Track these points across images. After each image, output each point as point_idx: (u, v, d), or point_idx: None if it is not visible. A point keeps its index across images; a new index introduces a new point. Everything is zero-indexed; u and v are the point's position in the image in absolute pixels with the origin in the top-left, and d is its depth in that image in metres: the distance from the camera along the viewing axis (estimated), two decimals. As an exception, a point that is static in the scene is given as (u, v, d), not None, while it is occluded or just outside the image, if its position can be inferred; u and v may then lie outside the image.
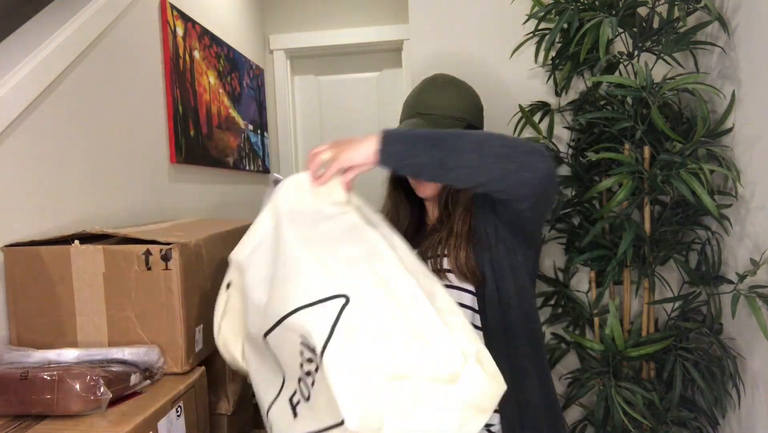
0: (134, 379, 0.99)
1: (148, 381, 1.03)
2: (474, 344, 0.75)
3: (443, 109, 1.09)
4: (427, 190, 1.11)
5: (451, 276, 1.04)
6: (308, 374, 0.78)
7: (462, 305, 1.03)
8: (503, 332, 1.01)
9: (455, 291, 1.04)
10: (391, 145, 0.86)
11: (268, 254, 0.89)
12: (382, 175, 1.17)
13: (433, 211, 1.17)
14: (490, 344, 0.99)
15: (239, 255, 0.96)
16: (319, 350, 0.73)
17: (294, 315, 0.77)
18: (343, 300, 0.74)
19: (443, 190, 1.10)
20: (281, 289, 0.81)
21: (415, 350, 0.73)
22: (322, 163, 0.89)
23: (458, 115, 1.09)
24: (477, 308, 1.03)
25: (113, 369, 0.97)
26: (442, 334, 0.74)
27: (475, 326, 1.03)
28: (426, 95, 1.12)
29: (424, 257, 1.07)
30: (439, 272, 1.04)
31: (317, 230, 0.84)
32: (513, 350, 1.00)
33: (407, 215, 1.18)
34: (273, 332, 0.82)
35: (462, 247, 1.02)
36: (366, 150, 0.86)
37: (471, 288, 1.03)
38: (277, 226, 0.89)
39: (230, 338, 1.01)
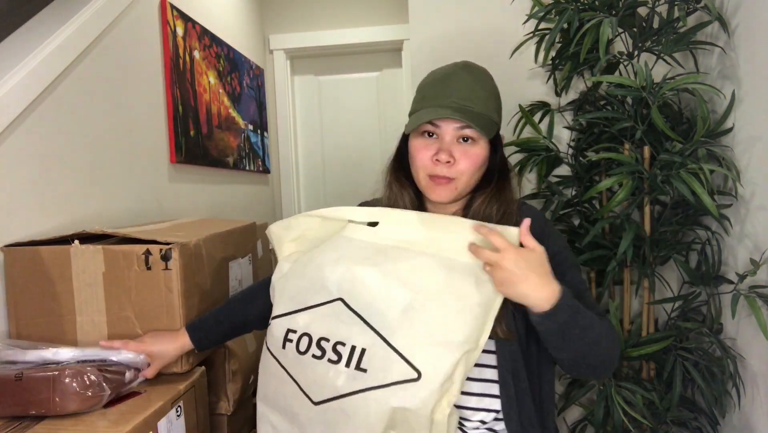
0: (129, 376, 0.99)
1: (142, 379, 1.04)
2: None
3: (481, 106, 0.95)
4: (444, 194, 0.97)
5: None
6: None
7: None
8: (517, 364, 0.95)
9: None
10: (560, 313, 0.82)
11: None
12: (381, 165, 1.12)
13: (437, 212, 1.05)
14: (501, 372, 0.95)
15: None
16: (364, 384, 0.85)
17: (380, 339, 0.87)
18: (415, 375, 0.83)
19: (462, 202, 1.01)
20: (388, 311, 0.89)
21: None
22: (487, 258, 0.82)
23: (494, 117, 0.97)
24: (496, 350, 0.94)
25: (108, 367, 0.97)
26: None
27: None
28: (459, 83, 0.96)
29: None
30: None
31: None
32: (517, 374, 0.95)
33: (411, 200, 1.05)
34: (352, 312, 0.90)
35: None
36: (545, 298, 0.81)
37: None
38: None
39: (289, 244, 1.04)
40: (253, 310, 1.14)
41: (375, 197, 1.12)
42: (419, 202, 1.04)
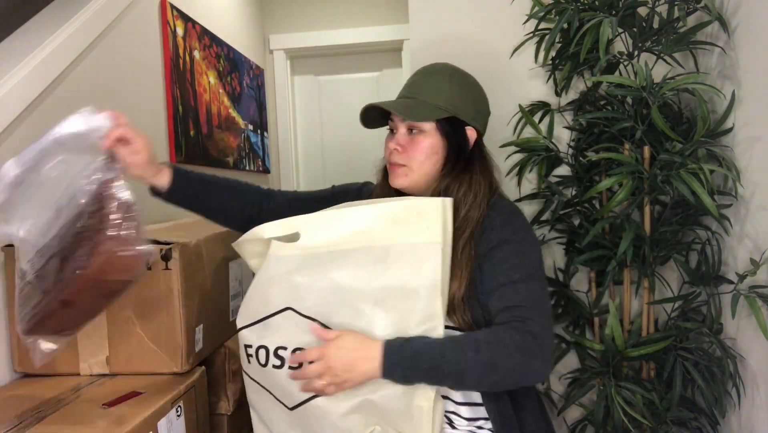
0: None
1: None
2: None
3: (427, 95, 1.05)
4: (398, 180, 1.06)
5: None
6: None
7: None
8: None
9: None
10: (393, 373, 0.87)
11: None
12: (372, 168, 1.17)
13: None
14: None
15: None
16: None
17: None
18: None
19: (430, 192, 1.06)
20: (339, 307, 0.93)
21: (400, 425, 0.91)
22: (319, 381, 0.88)
23: (441, 105, 1.04)
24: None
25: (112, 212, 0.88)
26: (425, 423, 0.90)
27: None
28: (415, 79, 1.09)
29: None
30: None
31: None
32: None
33: (377, 194, 1.13)
34: (303, 318, 0.93)
35: (461, 287, 0.96)
36: (368, 375, 0.87)
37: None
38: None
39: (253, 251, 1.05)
40: (235, 203, 1.14)
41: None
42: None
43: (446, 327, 0.93)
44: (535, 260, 0.98)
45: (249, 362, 0.98)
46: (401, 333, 0.89)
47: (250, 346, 0.97)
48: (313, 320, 0.91)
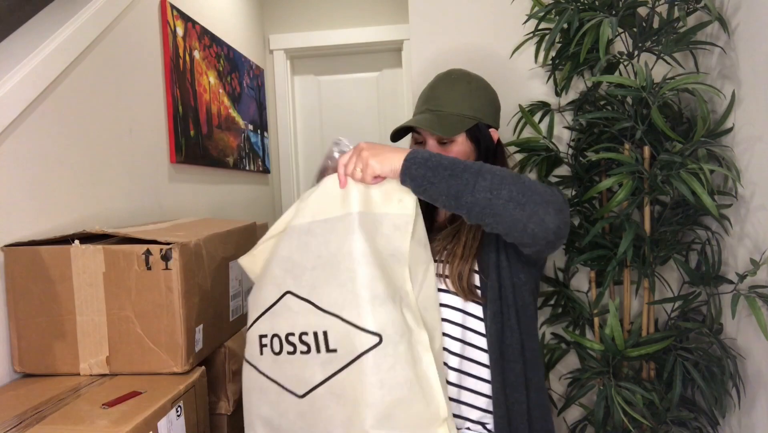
0: None
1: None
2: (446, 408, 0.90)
3: (453, 106, 1.08)
4: None
5: (449, 283, 1.03)
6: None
7: (462, 311, 1.03)
8: (499, 346, 1.00)
9: (454, 297, 1.03)
10: (413, 168, 0.89)
11: (302, 240, 0.96)
12: None
13: (441, 211, 1.16)
14: (489, 355, 1.01)
15: (289, 221, 1.00)
16: (339, 364, 0.88)
17: (334, 318, 0.89)
18: (376, 339, 0.86)
19: None
20: (324, 286, 0.91)
21: (414, 401, 0.87)
22: (351, 163, 0.92)
23: (468, 114, 1.08)
24: (483, 317, 1.02)
25: None
26: (435, 391, 0.89)
27: (474, 331, 1.03)
28: (438, 91, 1.11)
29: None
30: (441, 277, 1.04)
31: (356, 246, 0.91)
32: (509, 365, 1.00)
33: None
34: (301, 300, 0.93)
35: (467, 262, 1.01)
36: (391, 166, 0.90)
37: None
38: (313, 222, 0.96)
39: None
40: None
41: None
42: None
43: (446, 292, 1.02)
44: None
45: (262, 353, 0.97)
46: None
47: (265, 336, 0.96)
48: (309, 302, 0.92)
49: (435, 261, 1.04)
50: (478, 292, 1.02)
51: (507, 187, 0.86)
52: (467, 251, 1.02)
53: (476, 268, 1.02)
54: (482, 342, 1.02)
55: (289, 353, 0.93)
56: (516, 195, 0.86)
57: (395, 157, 0.90)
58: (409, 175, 0.89)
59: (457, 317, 1.02)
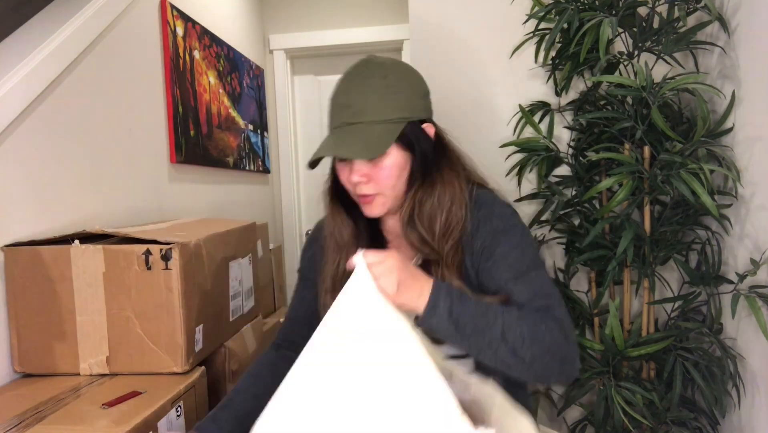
0: None
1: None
2: None
3: (373, 112, 0.89)
4: (375, 210, 0.93)
5: None
6: None
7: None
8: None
9: None
10: (433, 319, 0.80)
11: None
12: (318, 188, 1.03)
13: (391, 226, 1.01)
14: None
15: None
16: None
17: None
18: None
19: (405, 210, 0.94)
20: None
21: None
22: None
23: (393, 117, 0.89)
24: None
25: None
26: None
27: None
28: (352, 95, 0.91)
29: None
30: None
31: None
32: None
33: (351, 232, 0.99)
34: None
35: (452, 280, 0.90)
36: (416, 303, 0.79)
37: None
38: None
39: None
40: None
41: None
42: (361, 224, 1.00)
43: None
44: (530, 244, 0.92)
45: None
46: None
47: None
48: None
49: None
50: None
51: (529, 350, 0.80)
52: (451, 272, 0.91)
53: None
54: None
55: None
56: (538, 355, 0.81)
57: (421, 294, 0.79)
58: (428, 324, 0.80)
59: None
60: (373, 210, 0.93)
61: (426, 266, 0.93)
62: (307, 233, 3.08)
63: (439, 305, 0.79)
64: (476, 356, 0.83)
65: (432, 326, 0.80)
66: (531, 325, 0.81)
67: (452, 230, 0.91)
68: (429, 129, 0.95)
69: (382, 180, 0.90)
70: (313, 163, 0.94)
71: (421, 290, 0.80)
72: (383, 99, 0.89)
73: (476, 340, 0.80)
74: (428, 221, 0.92)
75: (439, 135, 0.98)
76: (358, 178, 0.89)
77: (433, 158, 0.94)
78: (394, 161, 0.90)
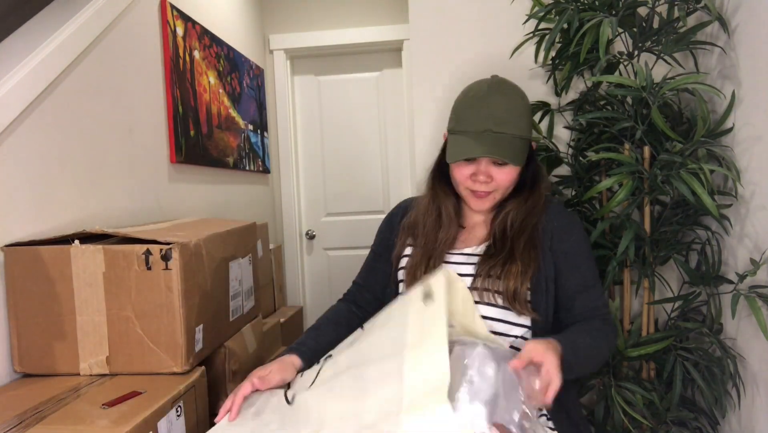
0: None
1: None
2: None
3: (515, 128, 1.06)
4: (485, 204, 1.11)
5: (500, 299, 1.06)
6: None
7: (506, 322, 1.07)
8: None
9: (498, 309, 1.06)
10: (568, 372, 0.90)
11: None
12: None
13: (477, 220, 1.17)
14: None
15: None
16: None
17: None
18: None
19: (503, 210, 1.12)
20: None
21: None
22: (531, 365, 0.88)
23: (526, 135, 1.08)
24: (530, 336, 1.07)
25: None
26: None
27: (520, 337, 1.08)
28: (495, 107, 1.06)
29: (478, 274, 1.07)
30: (490, 292, 1.06)
31: None
32: None
33: (453, 221, 1.15)
34: None
35: (524, 282, 1.04)
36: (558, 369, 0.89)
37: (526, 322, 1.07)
38: None
39: None
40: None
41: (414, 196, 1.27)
42: (459, 207, 1.18)
43: (503, 308, 1.05)
44: (590, 251, 1.12)
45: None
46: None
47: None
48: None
49: (481, 276, 1.06)
50: (529, 306, 1.06)
51: (604, 358, 1.03)
52: (524, 271, 1.05)
53: (528, 286, 1.06)
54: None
55: None
56: (606, 358, 1.05)
57: (557, 362, 0.88)
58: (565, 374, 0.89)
59: (502, 327, 1.06)
60: (484, 204, 1.11)
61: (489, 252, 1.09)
62: (307, 233, 3.09)
63: (568, 357, 0.92)
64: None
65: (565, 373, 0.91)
66: (606, 343, 1.04)
67: (526, 231, 1.08)
68: (533, 146, 1.15)
69: (502, 182, 1.08)
70: (453, 158, 1.09)
71: (557, 358, 0.90)
72: (522, 117, 1.08)
73: (581, 372, 0.99)
74: (513, 219, 1.10)
75: (534, 152, 1.16)
76: (485, 178, 1.07)
77: (535, 174, 1.14)
78: (516, 170, 1.09)
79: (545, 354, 0.86)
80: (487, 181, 1.07)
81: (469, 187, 1.10)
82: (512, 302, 1.04)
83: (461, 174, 1.10)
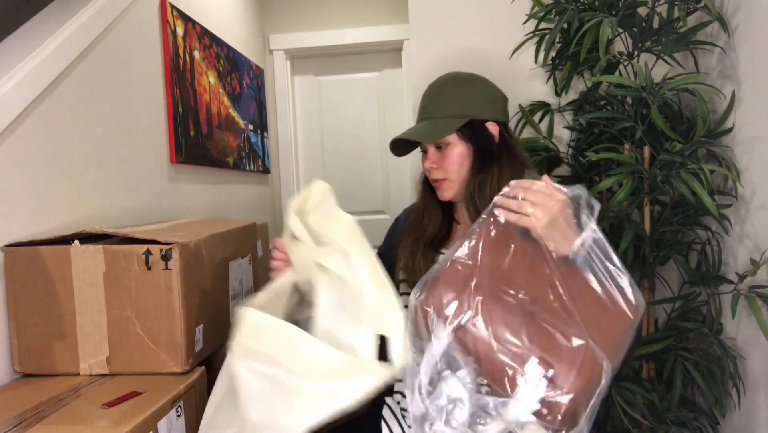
0: None
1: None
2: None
3: (443, 110, 1.12)
4: (445, 193, 1.14)
5: None
6: None
7: None
8: None
9: None
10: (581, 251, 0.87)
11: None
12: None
13: (462, 213, 1.18)
14: None
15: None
16: None
17: None
18: None
19: (467, 192, 1.12)
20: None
21: None
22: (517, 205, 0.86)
23: (456, 113, 1.11)
24: None
25: None
26: None
27: None
28: (427, 98, 1.16)
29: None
30: None
31: None
32: None
33: (438, 215, 1.18)
34: None
35: None
36: (569, 239, 0.86)
37: None
38: None
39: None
40: None
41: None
42: (448, 209, 1.20)
43: None
44: None
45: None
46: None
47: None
48: None
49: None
50: None
51: None
52: None
53: None
54: None
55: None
56: None
57: (566, 242, 0.87)
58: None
59: None
60: (444, 193, 1.13)
61: None
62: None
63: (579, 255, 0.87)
64: None
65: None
66: None
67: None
68: (492, 128, 1.12)
69: (448, 166, 1.11)
70: (396, 150, 1.19)
71: (567, 237, 0.87)
72: (449, 99, 1.12)
73: None
74: (486, 200, 1.07)
75: (504, 135, 1.14)
76: (429, 164, 1.13)
77: (494, 153, 1.11)
78: (457, 151, 1.11)
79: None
80: (435, 168, 1.12)
81: (430, 178, 1.15)
82: None
83: (424, 168, 1.16)
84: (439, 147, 1.12)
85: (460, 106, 1.11)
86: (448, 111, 1.12)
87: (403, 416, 1.11)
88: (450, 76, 1.18)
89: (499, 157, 1.11)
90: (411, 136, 1.13)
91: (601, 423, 1.36)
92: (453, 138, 1.11)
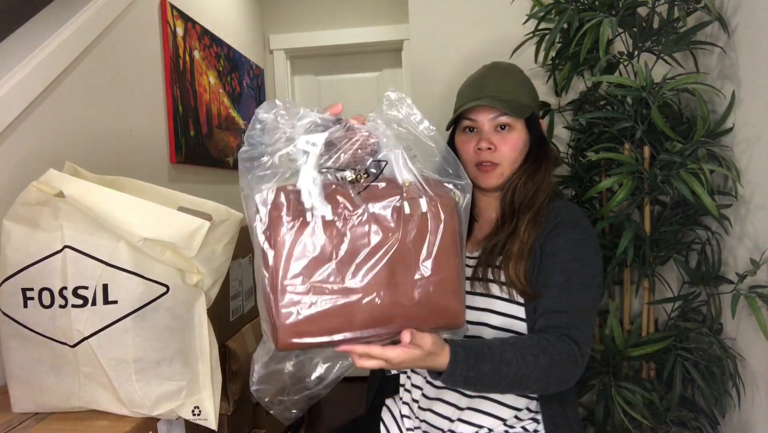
0: None
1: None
2: None
3: (511, 93, 1.06)
4: (492, 180, 1.06)
5: (494, 288, 1.02)
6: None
7: (509, 315, 1.01)
8: None
9: (504, 303, 1.01)
10: (455, 368, 0.82)
11: None
12: None
13: (488, 206, 1.12)
14: None
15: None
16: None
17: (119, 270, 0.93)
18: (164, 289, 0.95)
19: (508, 184, 1.06)
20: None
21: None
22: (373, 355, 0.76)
23: (525, 102, 1.07)
24: (526, 318, 1.00)
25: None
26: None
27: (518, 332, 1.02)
28: (489, 80, 1.09)
29: (479, 261, 1.03)
30: (496, 283, 1.01)
31: None
32: None
33: None
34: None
35: (523, 260, 0.99)
36: (436, 368, 0.82)
37: (521, 300, 1.00)
38: None
39: None
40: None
41: None
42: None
43: (500, 299, 1.01)
44: (592, 265, 1.01)
45: (26, 306, 0.92)
46: None
47: (31, 289, 0.92)
48: (92, 257, 0.91)
49: (483, 266, 1.02)
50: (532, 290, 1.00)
51: (536, 385, 0.88)
52: (523, 250, 1.00)
53: (529, 268, 1.01)
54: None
55: (61, 306, 0.90)
56: (556, 381, 0.90)
57: (439, 361, 0.81)
58: (447, 383, 0.84)
59: (505, 322, 1.01)
60: (491, 179, 1.06)
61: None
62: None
63: (456, 373, 0.82)
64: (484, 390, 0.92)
65: (450, 384, 0.85)
66: (546, 363, 0.87)
67: (532, 208, 1.03)
68: (542, 124, 1.13)
69: (506, 151, 1.05)
70: (454, 120, 1.11)
71: (439, 364, 0.81)
72: (518, 87, 1.08)
73: (489, 390, 0.89)
74: (521, 192, 1.05)
75: (544, 134, 1.13)
76: (487, 145, 1.04)
77: (541, 150, 1.09)
78: (520, 136, 1.06)
79: (425, 353, 0.77)
80: (490, 148, 1.04)
81: (474, 161, 1.06)
82: (520, 290, 0.98)
83: (467, 148, 1.08)
84: (501, 128, 1.06)
85: (526, 95, 1.08)
86: (517, 96, 1.06)
87: (403, 419, 1.11)
88: (509, 64, 1.14)
89: (544, 155, 1.09)
90: (496, 105, 1.03)
91: (601, 423, 1.36)
92: (520, 123, 1.06)
